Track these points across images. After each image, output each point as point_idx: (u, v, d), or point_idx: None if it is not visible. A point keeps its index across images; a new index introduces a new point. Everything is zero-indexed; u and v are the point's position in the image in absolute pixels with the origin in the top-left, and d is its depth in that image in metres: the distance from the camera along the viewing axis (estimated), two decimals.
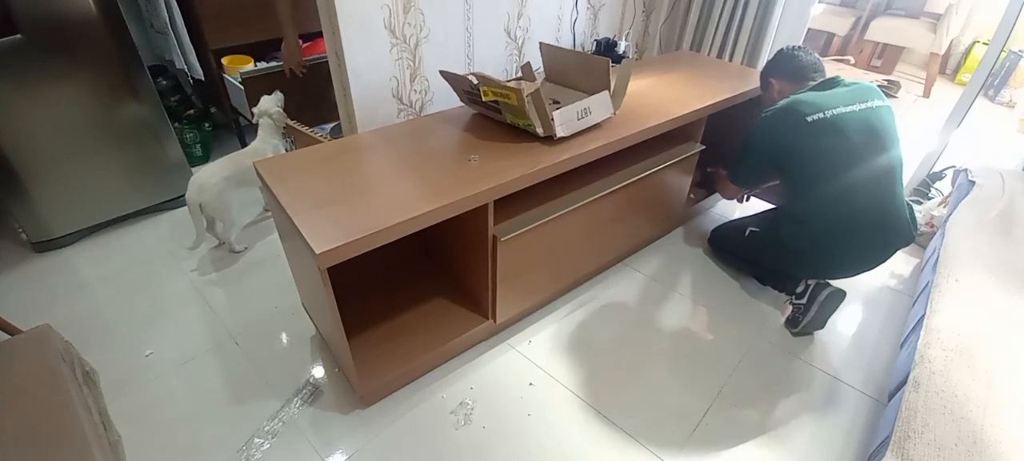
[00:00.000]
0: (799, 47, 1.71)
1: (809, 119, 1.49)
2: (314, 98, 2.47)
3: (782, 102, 1.58)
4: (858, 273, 1.68)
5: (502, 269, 1.45)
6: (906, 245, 1.61)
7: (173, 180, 2.20)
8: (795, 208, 1.63)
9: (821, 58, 1.69)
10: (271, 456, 1.32)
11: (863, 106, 1.51)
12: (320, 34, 2.63)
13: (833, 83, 1.59)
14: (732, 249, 1.98)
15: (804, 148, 1.52)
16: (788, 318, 1.73)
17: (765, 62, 1.82)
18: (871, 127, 1.50)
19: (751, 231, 1.83)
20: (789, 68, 1.68)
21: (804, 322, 1.64)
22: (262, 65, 2.46)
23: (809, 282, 1.64)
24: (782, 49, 1.74)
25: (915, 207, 2.17)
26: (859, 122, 1.49)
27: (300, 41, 2.20)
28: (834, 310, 1.63)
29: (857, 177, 1.49)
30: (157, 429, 1.39)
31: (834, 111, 1.48)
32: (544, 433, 1.40)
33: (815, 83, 1.62)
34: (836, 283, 1.62)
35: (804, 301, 1.64)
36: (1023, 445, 1.03)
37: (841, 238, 1.56)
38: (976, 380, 1.16)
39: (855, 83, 1.60)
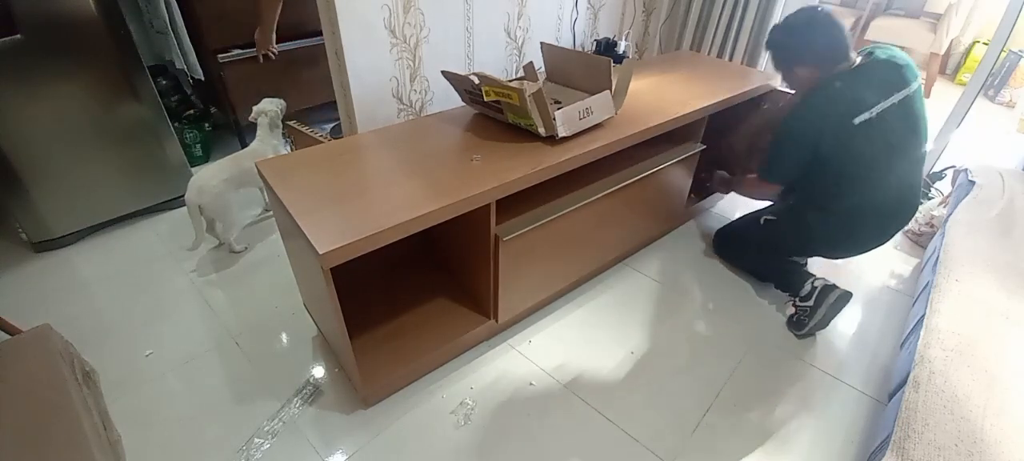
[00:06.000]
0: (822, 12, 1.45)
1: (856, 122, 1.40)
2: (290, 85, 2.59)
3: (824, 89, 1.46)
4: (874, 248, 1.69)
5: (504, 269, 1.45)
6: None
7: (173, 180, 2.20)
8: (822, 198, 1.59)
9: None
10: (271, 456, 1.32)
11: (903, 94, 1.43)
12: (315, 33, 2.68)
13: (870, 64, 1.44)
14: (741, 244, 1.96)
15: (847, 147, 1.44)
16: (792, 320, 1.73)
17: (782, 31, 1.53)
18: (909, 117, 1.45)
19: (767, 219, 1.80)
20: (826, 50, 1.44)
21: (810, 324, 1.63)
22: (237, 52, 2.46)
23: (815, 284, 1.64)
24: (804, 17, 1.47)
25: None
26: (900, 114, 1.42)
27: (274, 26, 2.36)
28: (840, 311, 1.63)
29: (892, 167, 1.48)
30: (157, 429, 1.38)
31: (878, 108, 1.40)
32: (544, 433, 1.40)
33: (851, 65, 1.46)
34: (842, 284, 1.63)
35: (810, 303, 1.63)
36: (1023, 445, 1.03)
37: (868, 221, 1.58)
38: (976, 380, 1.16)
39: (890, 58, 1.46)
